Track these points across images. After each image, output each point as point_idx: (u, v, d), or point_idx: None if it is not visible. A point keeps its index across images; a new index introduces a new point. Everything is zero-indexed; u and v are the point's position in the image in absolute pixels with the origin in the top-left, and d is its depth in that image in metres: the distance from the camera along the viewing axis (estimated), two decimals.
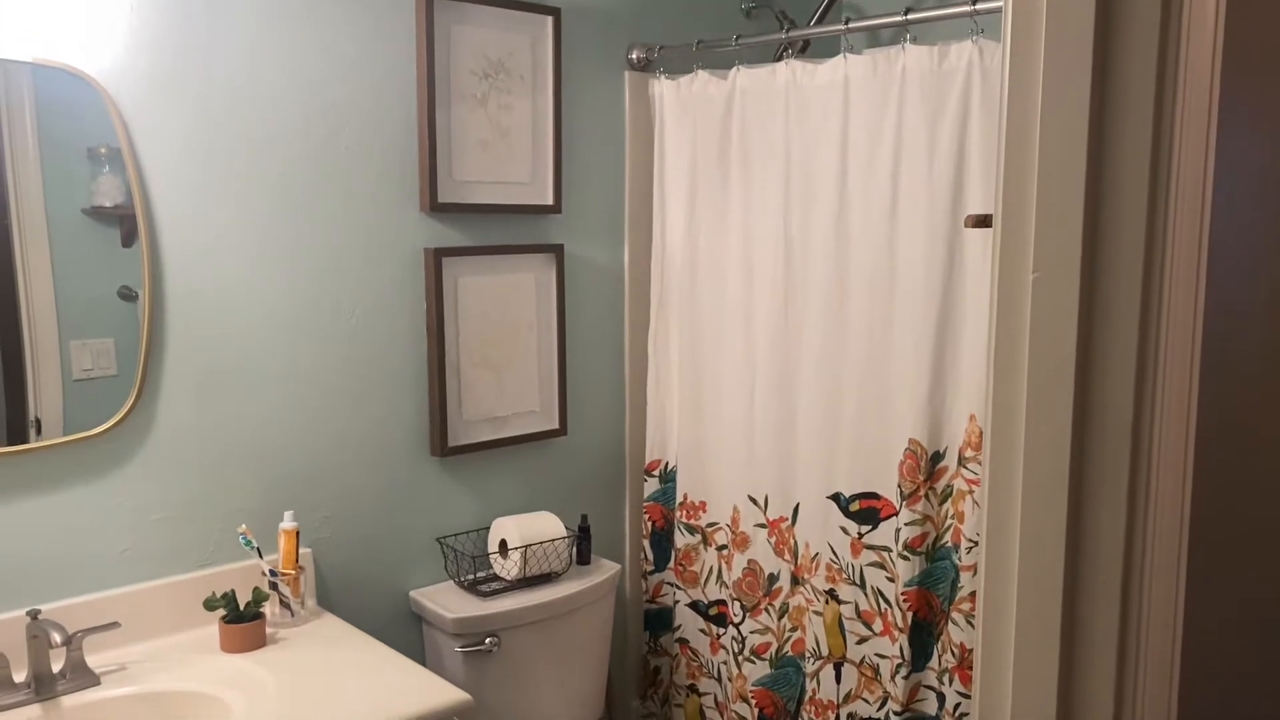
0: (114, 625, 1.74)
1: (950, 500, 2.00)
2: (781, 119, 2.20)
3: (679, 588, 2.53)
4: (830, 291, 2.13)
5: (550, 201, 2.34)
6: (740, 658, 2.38)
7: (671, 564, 2.55)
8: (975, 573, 1.93)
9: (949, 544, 2.01)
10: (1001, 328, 0.84)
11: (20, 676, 1.65)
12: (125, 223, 1.84)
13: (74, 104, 1.75)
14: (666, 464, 2.54)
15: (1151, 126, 0.73)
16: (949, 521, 2.00)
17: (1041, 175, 0.78)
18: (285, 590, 1.92)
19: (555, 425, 2.43)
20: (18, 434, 1.76)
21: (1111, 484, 0.78)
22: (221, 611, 1.83)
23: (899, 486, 2.05)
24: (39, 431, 1.77)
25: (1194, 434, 0.77)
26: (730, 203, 2.32)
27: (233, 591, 1.85)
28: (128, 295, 1.85)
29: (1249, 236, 0.98)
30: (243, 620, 1.82)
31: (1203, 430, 0.77)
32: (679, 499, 2.50)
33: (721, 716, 2.46)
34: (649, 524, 2.58)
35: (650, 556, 2.59)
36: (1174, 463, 0.77)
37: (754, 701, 2.35)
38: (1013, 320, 0.82)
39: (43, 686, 1.64)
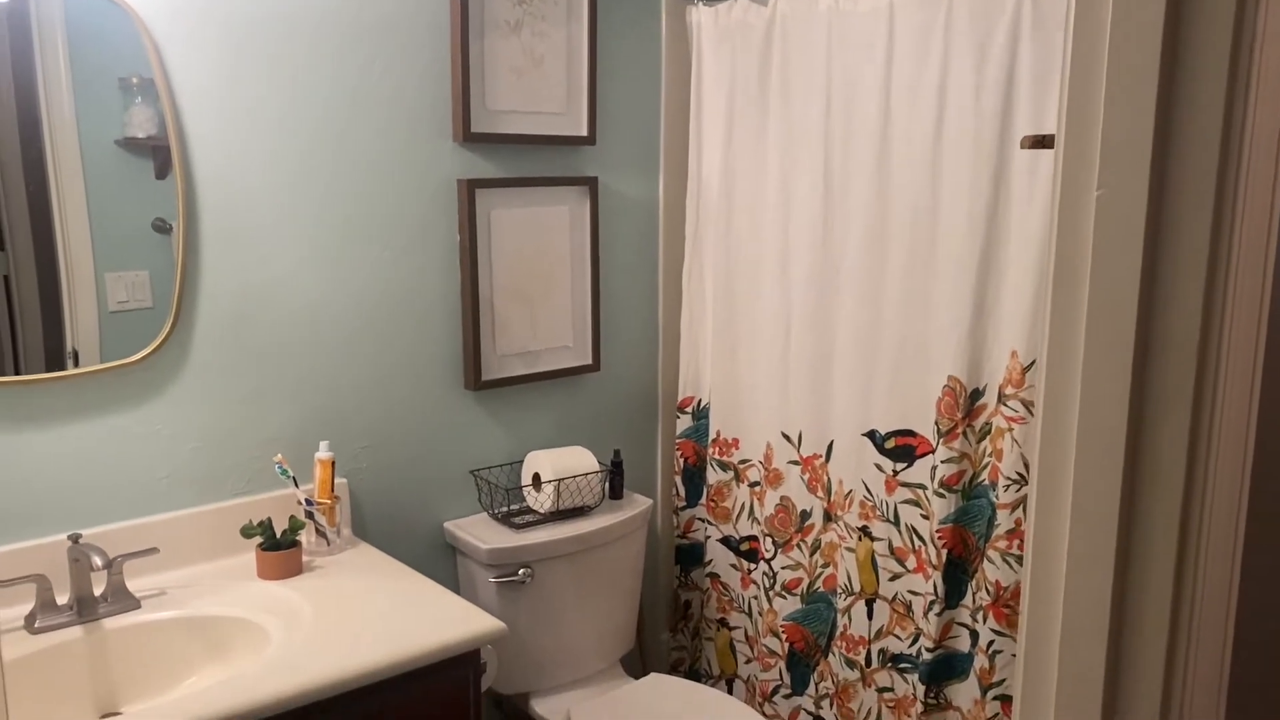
0: (153, 551, 1.76)
1: (989, 438, 1.97)
2: (823, 47, 2.14)
3: (711, 523, 2.53)
4: (871, 224, 2.09)
5: (585, 133, 2.30)
6: (771, 593, 2.38)
7: (703, 500, 2.55)
8: (1012, 510, 1.91)
9: (986, 481, 1.98)
10: (1062, 249, 0.80)
11: (63, 599, 1.67)
12: (158, 154, 1.82)
13: (106, 32, 1.73)
14: (700, 401, 2.53)
15: (1231, 31, 0.69)
16: (987, 459, 1.98)
17: (1110, 83, 0.75)
18: (321, 519, 1.93)
19: (588, 360, 2.42)
20: (56, 365, 1.76)
21: (1175, 413, 0.75)
22: (258, 539, 1.85)
23: (936, 424, 2.02)
24: (76, 363, 1.78)
25: (1262, 361, 0.74)
26: (769, 134, 2.27)
27: (269, 520, 1.87)
28: (162, 228, 1.84)
29: None
30: (279, 548, 1.84)
31: (1272, 359, 0.74)
32: (712, 436, 2.49)
33: (751, 650, 2.48)
34: (681, 460, 2.57)
35: (682, 492, 2.59)
36: (1240, 393, 0.74)
37: (784, 635, 2.35)
38: (1074, 241, 0.79)
39: (85, 609, 1.67)
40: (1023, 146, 0.99)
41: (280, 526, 1.87)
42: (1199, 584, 0.78)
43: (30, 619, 1.64)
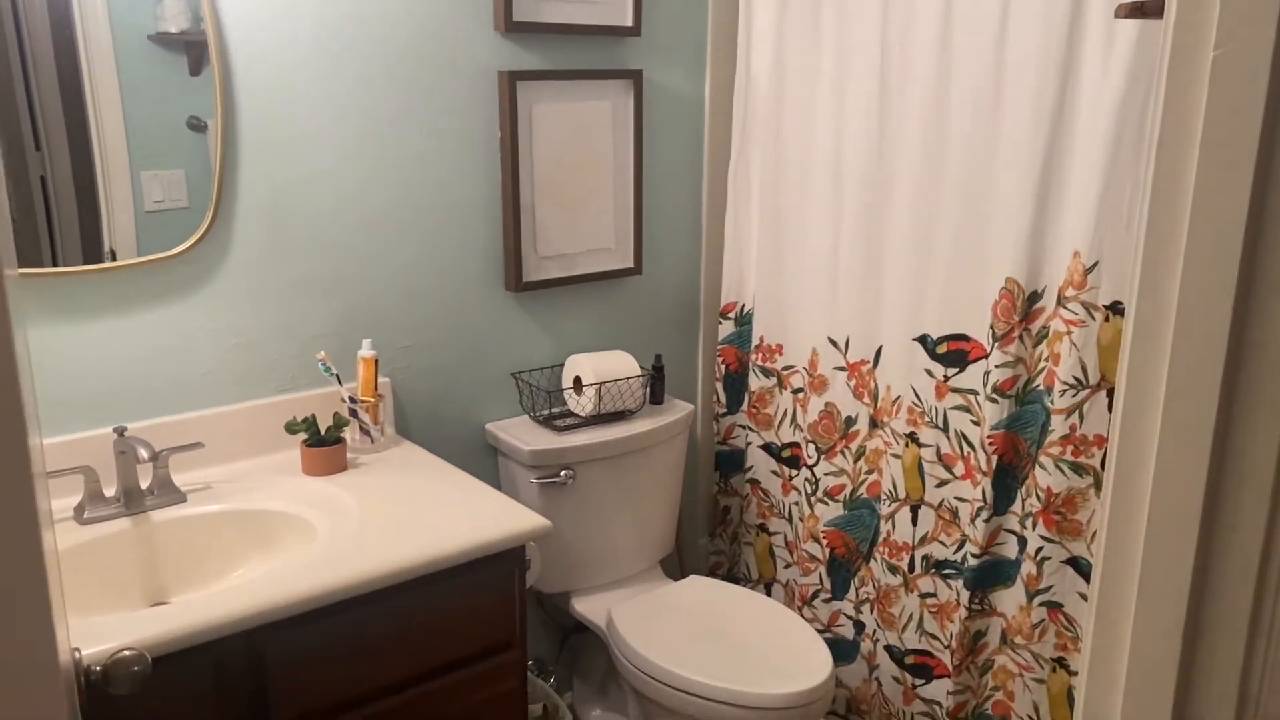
0: (198, 445, 1.76)
1: (1045, 341, 1.91)
2: None
3: (752, 430, 2.50)
4: (929, 116, 2.00)
5: (629, 22, 2.22)
6: (813, 499, 2.36)
7: (745, 406, 2.51)
8: (1068, 416, 1.86)
9: (1041, 386, 1.93)
10: (1169, 118, 0.74)
11: (110, 491, 1.67)
12: (193, 50, 1.77)
13: None
14: (743, 307, 2.48)
15: None
16: (1043, 364, 1.92)
17: None
18: (364, 417, 1.92)
19: (630, 264, 2.37)
20: (94, 262, 1.74)
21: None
22: (303, 435, 1.84)
23: (991, 328, 1.96)
24: (114, 260, 1.76)
25: None
26: (823, 25, 2.17)
27: (313, 416, 1.86)
28: (197, 125, 1.80)
29: None
30: (324, 444, 1.83)
31: None
32: (754, 342, 2.44)
33: (791, 555, 2.47)
34: (723, 366, 2.53)
35: (723, 399, 2.56)
36: None
37: (825, 541, 2.34)
38: (1185, 108, 0.73)
39: (132, 501, 1.67)
40: (1118, 16, 0.92)
41: (324, 424, 1.86)
42: None
43: (79, 510, 1.65)
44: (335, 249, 1.94)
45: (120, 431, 1.67)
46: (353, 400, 1.91)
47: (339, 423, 1.86)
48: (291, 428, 1.84)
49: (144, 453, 1.62)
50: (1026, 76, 1.84)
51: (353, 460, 1.88)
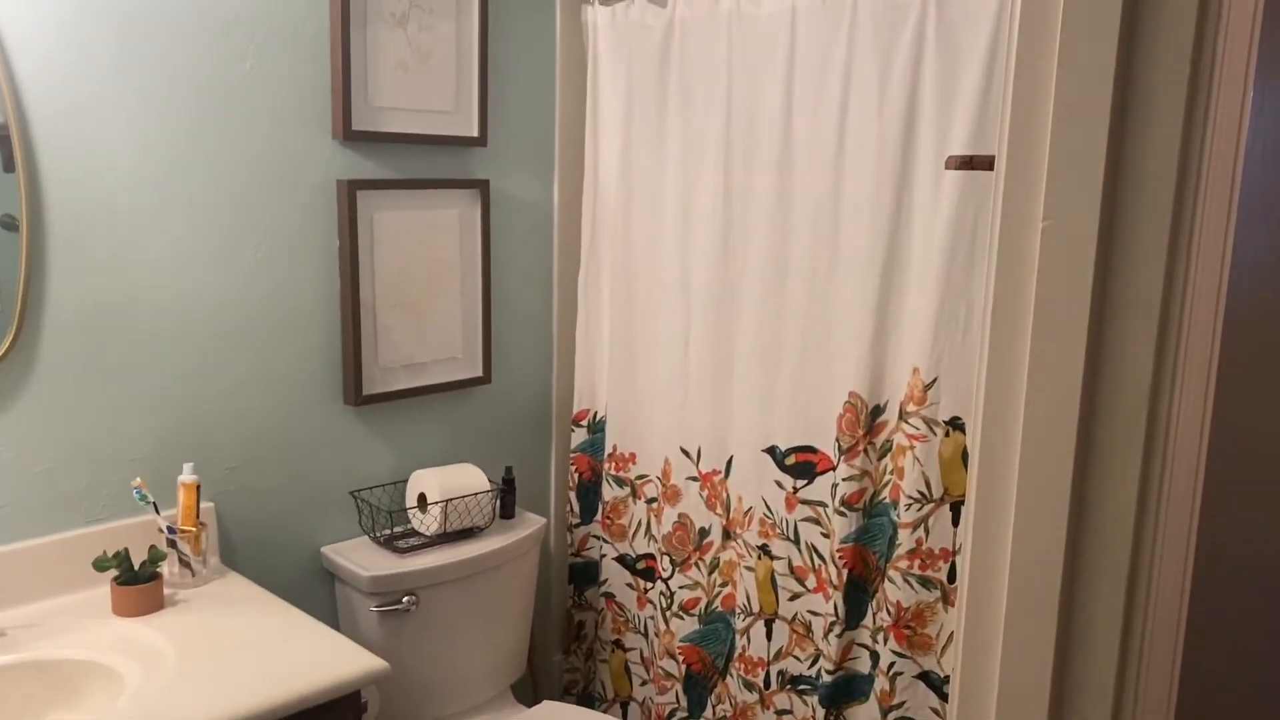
0: None
1: (890, 455, 1.94)
2: (724, 51, 2.07)
3: (606, 541, 2.44)
4: (771, 235, 2.03)
5: (475, 133, 2.19)
6: (668, 613, 2.31)
7: (599, 516, 2.46)
8: (914, 530, 1.88)
9: (887, 500, 1.95)
10: (1003, 281, 0.74)
11: None
12: (5, 145, 1.65)
13: None
14: (595, 414, 2.44)
15: (1190, 55, 0.64)
16: (888, 477, 1.94)
17: (1058, 107, 0.69)
18: (185, 548, 1.78)
19: (479, 373, 2.30)
20: None
21: (1123, 461, 0.69)
22: (114, 572, 1.68)
23: (837, 440, 1.98)
24: None
25: (1211, 410, 0.69)
26: (668, 139, 2.20)
27: (126, 550, 1.70)
28: (10, 225, 1.66)
29: None
30: (137, 581, 1.68)
31: (1221, 404, 0.69)
32: (608, 450, 2.40)
33: (648, 672, 2.40)
34: (576, 475, 2.48)
35: (576, 509, 2.50)
36: (1191, 441, 0.68)
37: (681, 657, 2.29)
38: (1017, 273, 0.73)
39: None
40: (948, 168, 0.94)
41: (139, 557, 1.71)
42: (1146, 645, 0.72)
43: None
44: (157, 364, 1.81)
45: None
46: (171, 530, 1.77)
47: (155, 557, 1.71)
48: (101, 564, 1.68)
49: None
50: (863, 199, 1.89)
51: (170, 597, 1.73)
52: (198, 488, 1.80)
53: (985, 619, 0.79)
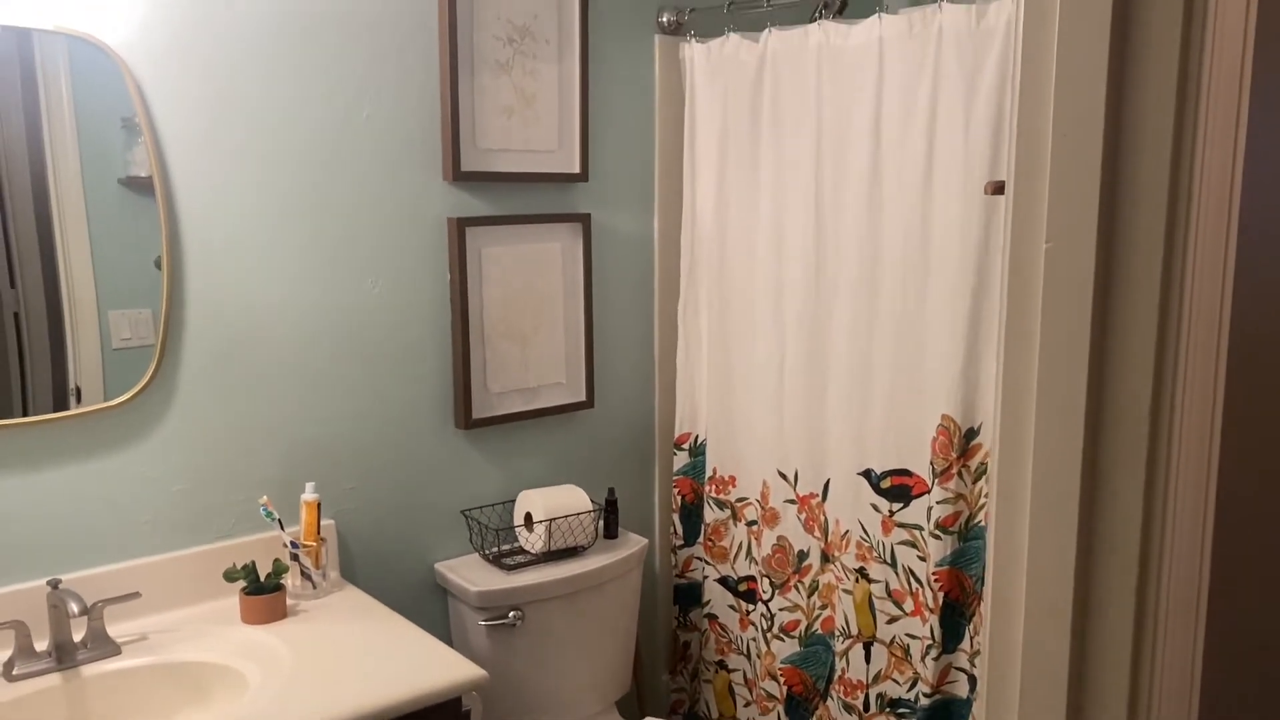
0: (134, 595, 1.75)
1: (984, 478, 1.93)
2: (814, 82, 2.12)
3: (708, 563, 2.49)
4: (863, 261, 2.06)
5: (577, 170, 2.29)
6: (769, 634, 2.34)
7: (701, 539, 2.51)
8: None
9: (982, 523, 1.94)
10: (1013, 302, 0.78)
11: (42, 645, 1.66)
12: (151, 193, 1.83)
13: (105, 75, 1.75)
14: (696, 437, 2.50)
15: (1176, 83, 0.67)
16: (982, 500, 1.94)
17: (1056, 136, 0.72)
18: (306, 562, 1.91)
19: (582, 398, 2.39)
20: (61, 403, 1.77)
21: (1127, 473, 0.72)
22: (242, 583, 1.83)
23: (931, 464, 1.98)
24: (79, 400, 1.78)
25: (1220, 420, 0.71)
26: (761, 170, 2.26)
27: (253, 563, 1.85)
28: (157, 264, 1.84)
29: None
30: (263, 592, 1.82)
31: (1230, 415, 0.71)
32: (708, 473, 2.45)
33: (750, 693, 2.43)
34: (679, 498, 2.54)
35: (680, 531, 2.56)
36: (1196, 451, 0.70)
37: (783, 679, 2.31)
38: (1025, 294, 0.76)
39: (64, 655, 1.65)
40: (986, 192, 0.97)
41: (265, 570, 1.85)
42: (1159, 649, 0.74)
43: (8, 666, 1.62)
44: (282, 390, 1.96)
45: (54, 584, 1.66)
46: (294, 545, 1.91)
47: (279, 569, 1.85)
48: (230, 575, 1.83)
49: (75, 607, 1.60)
50: (951, 223, 1.91)
51: (293, 607, 1.87)
52: (319, 506, 1.94)
53: (1007, 626, 0.81)
